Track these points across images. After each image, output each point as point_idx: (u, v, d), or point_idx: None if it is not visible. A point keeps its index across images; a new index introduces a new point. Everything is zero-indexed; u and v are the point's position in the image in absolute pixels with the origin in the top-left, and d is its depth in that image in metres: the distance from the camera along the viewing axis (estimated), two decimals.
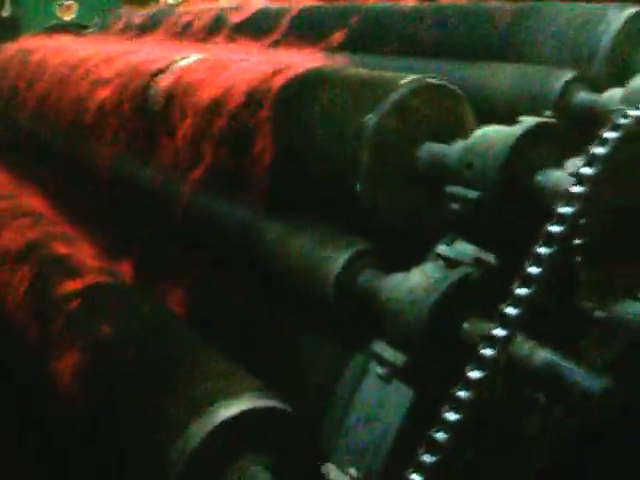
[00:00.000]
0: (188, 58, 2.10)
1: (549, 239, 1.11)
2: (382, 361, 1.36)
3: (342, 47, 2.30)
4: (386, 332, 1.37)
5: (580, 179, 1.10)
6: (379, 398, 1.44)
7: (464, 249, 1.39)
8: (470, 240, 1.39)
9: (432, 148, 1.51)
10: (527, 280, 1.12)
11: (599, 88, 1.76)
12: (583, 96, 1.72)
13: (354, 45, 2.28)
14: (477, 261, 1.34)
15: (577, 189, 1.11)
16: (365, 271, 1.51)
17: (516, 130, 1.32)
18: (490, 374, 1.10)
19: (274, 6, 2.76)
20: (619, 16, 1.85)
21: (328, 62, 1.96)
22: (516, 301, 1.12)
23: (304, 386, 1.69)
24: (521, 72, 1.83)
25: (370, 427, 1.45)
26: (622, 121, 1.14)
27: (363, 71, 1.72)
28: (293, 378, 1.72)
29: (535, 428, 1.45)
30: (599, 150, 1.11)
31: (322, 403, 1.61)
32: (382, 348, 1.37)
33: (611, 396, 1.16)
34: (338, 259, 1.53)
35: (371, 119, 1.51)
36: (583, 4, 1.97)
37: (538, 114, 1.43)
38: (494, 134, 1.36)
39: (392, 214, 1.55)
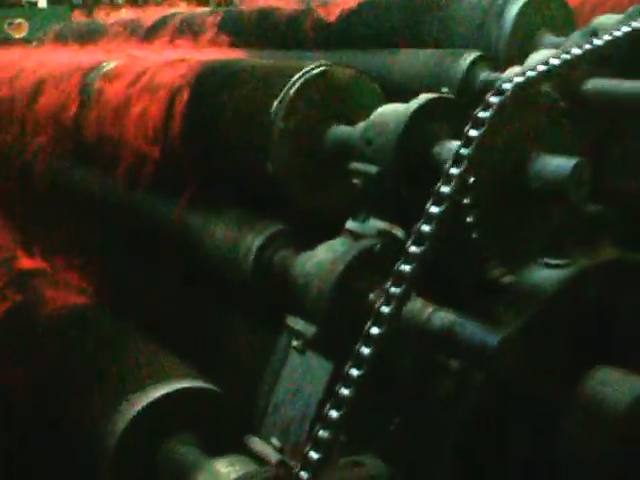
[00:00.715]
0: (112, 62, 2.16)
1: (439, 199, 1.18)
2: (295, 334, 1.42)
3: (262, 45, 2.39)
4: (297, 306, 1.43)
5: (466, 141, 1.17)
6: (302, 372, 1.50)
7: (373, 224, 1.46)
8: (378, 214, 1.46)
9: (338, 130, 1.58)
10: (419, 238, 1.18)
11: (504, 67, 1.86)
12: (486, 74, 1.82)
13: (274, 42, 2.38)
14: (381, 233, 1.40)
15: (463, 150, 1.18)
16: (280, 251, 1.57)
17: (411, 106, 1.39)
18: (387, 330, 1.16)
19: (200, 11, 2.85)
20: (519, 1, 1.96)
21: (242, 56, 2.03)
22: (409, 258, 1.18)
23: (237, 368, 1.76)
24: (431, 55, 1.95)
25: (294, 400, 1.51)
26: (504, 86, 1.21)
27: (272, 62, 1.80)
28: (225, 361, 1.78)
29: (450, 390, 1.52)
30: (482, 114, 1.19)
31: (253, 383, 1.67)
32: (294, 322, 1.43)
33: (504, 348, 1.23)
34: (255, 241, 1.60)
35: (278, 105, 1.58)
36: None
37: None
38: (391, 112, 1.43)
39: (305, 195, 1.62)
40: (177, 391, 1.50)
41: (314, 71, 1.62)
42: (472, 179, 1.19)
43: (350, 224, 1.46)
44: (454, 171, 1.18)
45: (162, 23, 2.91)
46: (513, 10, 1.95)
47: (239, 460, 1.37)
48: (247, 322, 1.79)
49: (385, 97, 1.65)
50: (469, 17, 2.01)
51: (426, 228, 1.18)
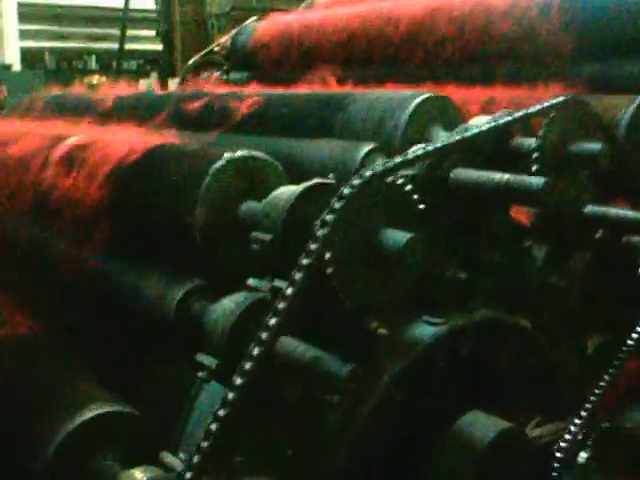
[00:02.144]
0: (70, 138, 2.52)
1: (306, 255, 1.55)
2: (202, 367, 1.76)
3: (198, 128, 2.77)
4: (205, 345, 1.78)
5: (322, 222, 1.56)
6: (207, 399, 1.86)
7: (268, 281, 1.81)
8: (273, 273, 1.81)
9: (248, 205, 1.95)
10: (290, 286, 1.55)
11: None
12: (379, 162, 2.18)
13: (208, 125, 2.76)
14: (273, 288, 1.76)
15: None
16: (197, 303, 1.93)
17: (298, 188, 1.77)
18: (255, 367, 1.52)
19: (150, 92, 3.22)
20: (414, 100, 2.34)
21: (178, 140, 2.42)
22: (279, 305, 1.55)
23: (165, 398, 2.10)
24: (333, 145, 2.30)
25: (201, 422, 1.85)
26: (354, 181, 1.61)
27: (200, 146, 2.19)
28: (156, 392, 2.12)
29: (334, 424, 1.85)
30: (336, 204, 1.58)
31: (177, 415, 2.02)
32: (202, 357, 1.77)
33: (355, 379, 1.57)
34: (177, 294, 1.97)
35: (203, 183, 1.96)
36: (388, 92, 2.47)
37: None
38: (285, 192, 1.80)
39: (224, 257, 2.00)
40: (103, 414, 1.83)
41: (233, 156, 2.01)
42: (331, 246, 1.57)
43: (250, 281, 1.82)
44: (320, 233, 1.57)
45: (120, 103, 3.27)
46: (408, 109, 2.31)
47: (151, 469, 1.70)
48: (173, 360, 2.13)
49: (291, 180, 2.03)
50: (371, 113, 2.38)
51: (297, 276, 1.55)
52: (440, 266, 2.01)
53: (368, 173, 1.64)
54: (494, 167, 2.03)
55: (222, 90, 3.40)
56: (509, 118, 2.09)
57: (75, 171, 2.25)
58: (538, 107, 2.11)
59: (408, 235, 1.60)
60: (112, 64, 16.98)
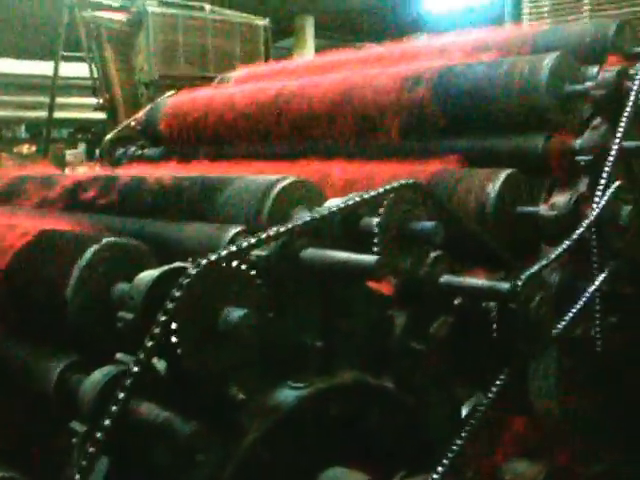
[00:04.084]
0: None
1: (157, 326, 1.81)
2: (76, 434, 1.98)
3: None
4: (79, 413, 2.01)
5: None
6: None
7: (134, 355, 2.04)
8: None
9: (119, 287, 2.19)
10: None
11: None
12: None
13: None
14: (138, 361, 1.99)
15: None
16: (74, 376, 2.16)
17: (156, 272, 2.02)
18: (112, 429, 1.75)
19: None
20: (279, 184, 2.61)
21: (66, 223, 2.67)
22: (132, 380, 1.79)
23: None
24: (204, 229, 2.54)
25: None
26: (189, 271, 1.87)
27: (79, 232, 2.44)
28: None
29: None
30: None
31: None
32: (75, 424, 1.99)
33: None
34: (57, 368, 2.20)
35: (77, 267, 2.20)
36: (260, 176, 2.75)
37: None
38: (146, 275, 2.05)
39: (98, 335, 2.23)
40: None
41: (108, 241, 2.26)
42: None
43: (119, 355, 2.05)
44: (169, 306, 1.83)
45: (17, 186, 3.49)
46: (273, 193, 2.57)
47: None
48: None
49: (162, 262, 2.27)
50: (242, 197, 2.63)
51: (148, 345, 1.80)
52: (299, 335, 2.26)
53: (213, 257, 1.90)
54: (348, 246, 2.30)
55: (118, 171, 3.67)
56: (355, 200, 2.36)
57: None
58: (381, 190, 2.39)
59: (243, 312, 1.86)
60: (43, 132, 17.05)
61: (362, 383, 2.38)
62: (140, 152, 5.25)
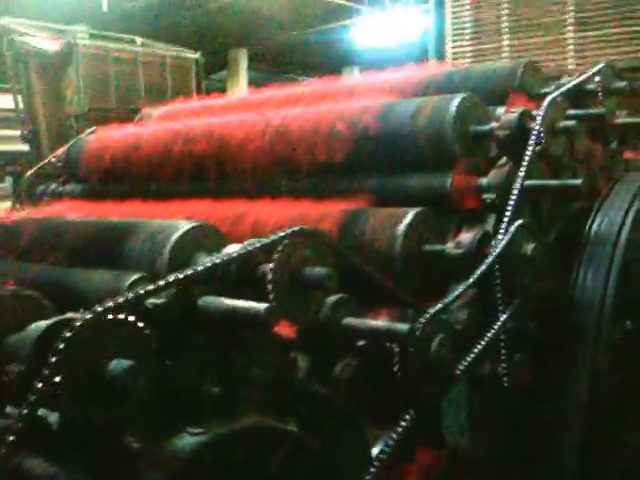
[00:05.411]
0: None
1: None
2: None
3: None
4: None
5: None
6: None
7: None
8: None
9: (12, 338, 2.15)
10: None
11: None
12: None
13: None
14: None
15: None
16: None
17: (43, 324, 2.00)
18: None
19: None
20: (179, 229, 2.59)
21: None
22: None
23: None
24: (107, 276, 2.51)
25: None
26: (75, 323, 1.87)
27: None
28: None
29: None
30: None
31: None
32: None
33: None
34: None
35: None
36: (165, 221, 2.74)
37: None
38: (35, 327, 2.03)
39: None
40: None
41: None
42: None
43: (8, 409, 2.02)
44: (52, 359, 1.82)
45: None
46: (173, 238, 2.53)
47: None
48: None
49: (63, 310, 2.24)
50: (146, 242, 2.59)
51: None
52: (194, 382, 2.25)
53: (99, 308, 1.89)
54: (250, 292, 2.31)
55: (32, 211, 3.62)
56: (253, 246, 2.37)
57: None
58: (275, 237, 2.40)
59: (127, 363, 1.85)
60: None
61: (263, 427, 2.39)
62: (61, 189, 5.18)
